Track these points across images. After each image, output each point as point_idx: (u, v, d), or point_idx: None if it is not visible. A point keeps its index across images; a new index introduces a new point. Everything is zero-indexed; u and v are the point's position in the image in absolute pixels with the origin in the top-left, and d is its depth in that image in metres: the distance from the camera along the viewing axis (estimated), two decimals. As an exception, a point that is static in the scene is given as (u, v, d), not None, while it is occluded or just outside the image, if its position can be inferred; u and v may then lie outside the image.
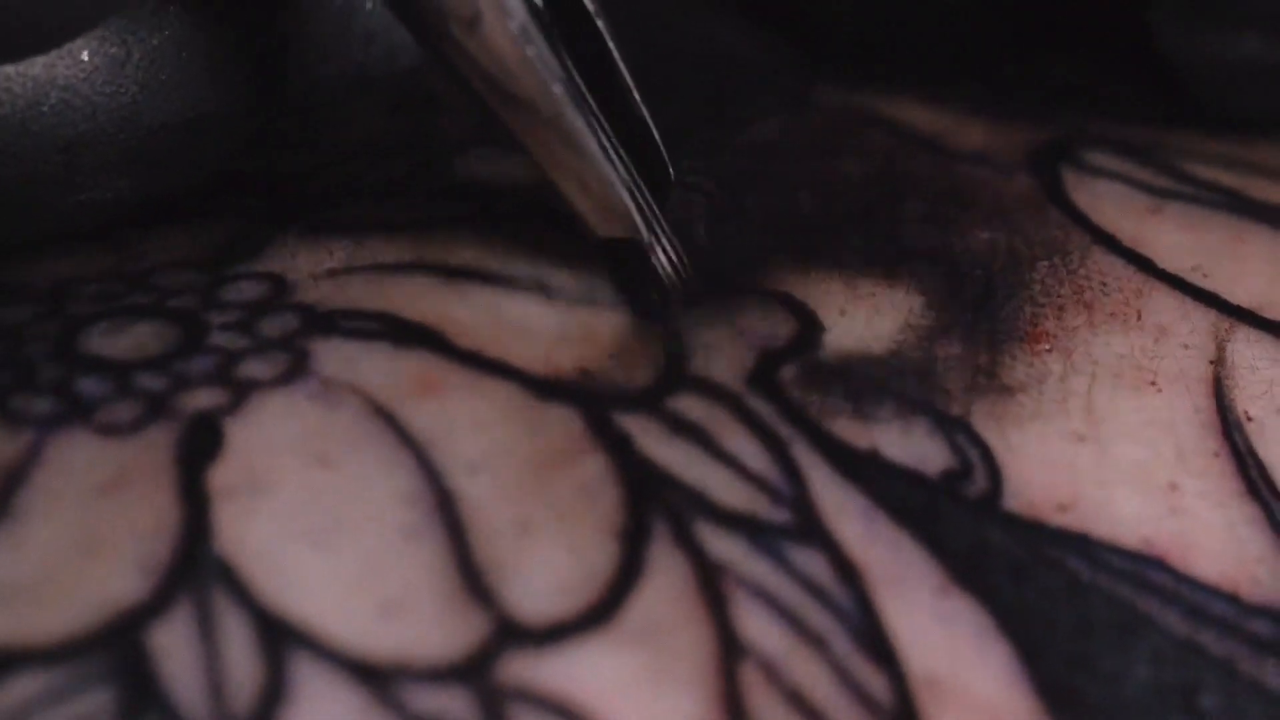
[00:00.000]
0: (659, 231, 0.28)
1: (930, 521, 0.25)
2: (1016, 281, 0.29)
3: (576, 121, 0.27)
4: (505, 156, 0.31)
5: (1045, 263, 0.30)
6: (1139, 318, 0.29)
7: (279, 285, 0.28)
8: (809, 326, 0.28)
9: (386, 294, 0.28)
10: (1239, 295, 0.29)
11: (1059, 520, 0.25)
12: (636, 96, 0.28)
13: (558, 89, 0.26)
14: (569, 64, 0.27)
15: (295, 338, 0.27)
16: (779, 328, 0.28)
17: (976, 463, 0.26)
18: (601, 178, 0.27)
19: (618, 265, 0.28)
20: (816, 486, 0.25)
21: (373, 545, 0.24)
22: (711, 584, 0.24)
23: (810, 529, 0.24)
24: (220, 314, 0.27)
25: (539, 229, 0.29)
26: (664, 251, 0.28)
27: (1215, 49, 0.33)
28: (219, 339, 0.27)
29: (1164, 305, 0.29)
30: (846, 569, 0.24)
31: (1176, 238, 0.31)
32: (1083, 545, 0.25)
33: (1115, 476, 0.26)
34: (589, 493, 0.25)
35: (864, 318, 0.28)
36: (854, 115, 0.33)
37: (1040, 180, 0.32)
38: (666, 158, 0.28)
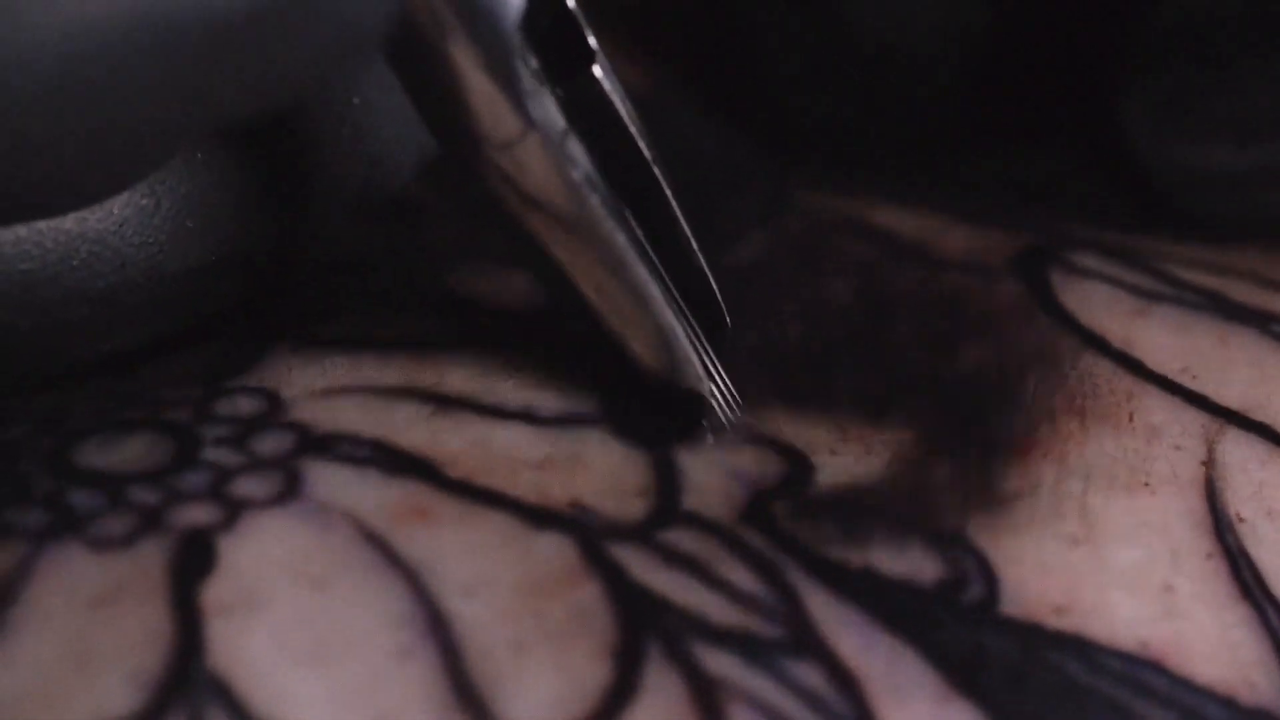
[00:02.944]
0: (718, 380, 0.28)
1: (927, 629, 0.25)
2: (1008, 394, 0.29)
3: (638, 268, 0.27)
4: (496, 270, 0.31)
5: (1036, 370, 0.30)
6: (1130, 420, 0.29)
7: (273, 401, 0.28)
8: (800, 467, 0.28)
9: (378, 419, 0.28)
10: (1227, 397, 0.30)
11: (1056, 624, 0.25)
12: (694, 244, 0.28)
13: (609, 221, 0.27)
14: (625, 211, 0.27)
15: (289, 458, 0.27)
16: (770, 469, 0.28)
17: (972, 571, 0.26)
18: (664, 325, 0.27)
19: (667, 404, 0.28)
20: (811, 603, 0.25)
21: (366, 664, 0.24)
22: (708, 699, 0.24)
23: (806, 642, 0.24)
24: (214, 428, 0.27)
25: (527, 351, 0.29)
26: (720, 398, 0.28)
27: (1185, 156, 0.34)
28: (212, 454, 0.27)
29: (1155, 407, 0.29)
30: (845, 679, 0.24)
31: (1165, 340, 0.31)
32: (1080, 648, 0.25)
33: (1111, 579, 0.26)
34: (583, 615, 0.25)
35: (855, 456, 0.28)
36: (836, 224, 0.33)
37: (1028, 285, 0.32)
38: (723, 305, 0.28)
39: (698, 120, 0.37)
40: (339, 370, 0.29)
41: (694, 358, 0.28)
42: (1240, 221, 0.34)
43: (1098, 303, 0.32)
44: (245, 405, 0.28)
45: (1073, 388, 0.29)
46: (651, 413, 0.28)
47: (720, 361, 0.28)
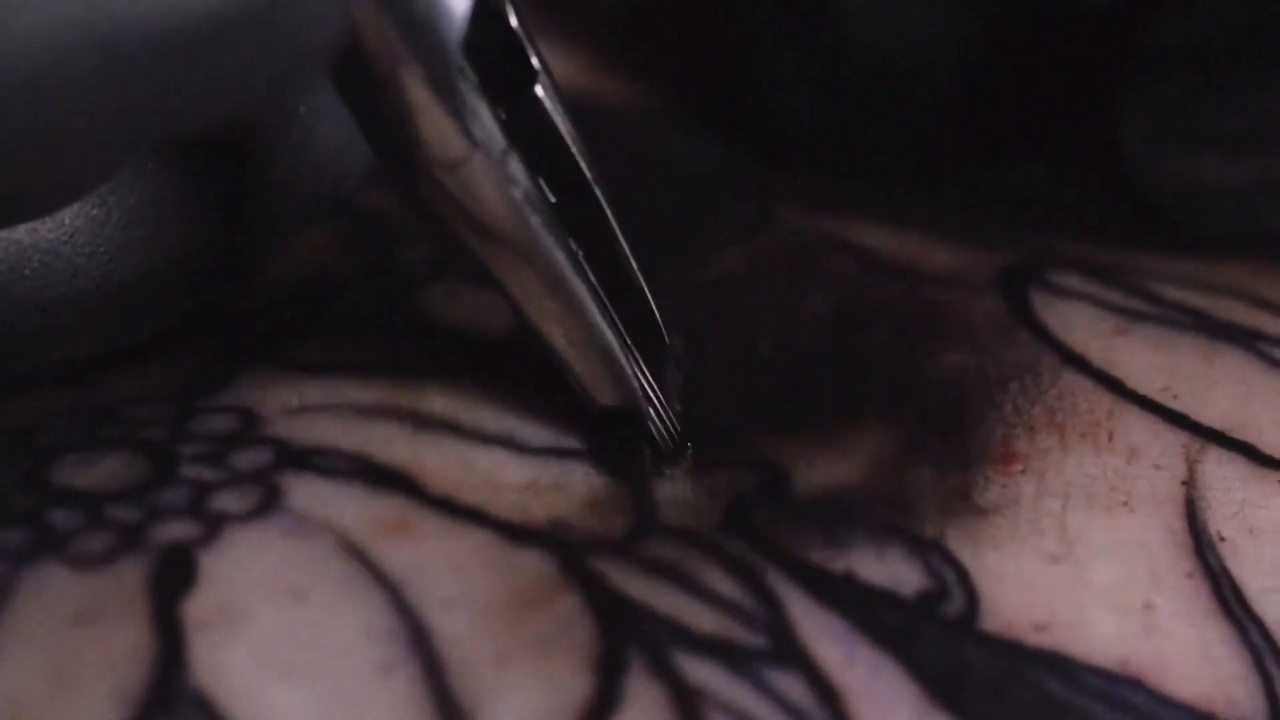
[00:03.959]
0: (655, 400, 0.28)
1: (908, 642, 0.25)
2: (987, 403, 0.29)
3: (577, 287, 0.27)
4: (470, 290, 0.31)
5: (1016, 384, 0.30)
6: (1110, 439, 0.29)
7: (249, 419, 0.28)
8: (778, 477, 0.28)
9: (358, 435, 0.28)
10: (1209, 416, 0.30)
11: (1036, 640, 0.25)
12: (633, 264, 0.28)
13: (548, 240, 0.27)
14: (564, 231, 0.27)
15: (268, 472, 0.27)
16: (748, 482, 0.28)
17: (953, 584, 0.26)
18: (601, 345, 0.27)
19: (607, 426, 0.28)
20: (793, 611, 0.25)
21: (348, 679, 0.24)
22: (690, 710, 0.24)
23: (788, 652, 0.24)
24: (191, 445, 0.27)
25: (506, 377, 0.29)
26: (659, 419, 0.28)
27: (1180, 170, 0.34)
28: (190, 471, 0.27)
29: (1135, 426, 0.29)
30: (826, 691, 0.24)
31: (1146, 359, 0.31)
32: (1060, 665, 0.25)
33: (1091, 597, 0.26)
34: (565, 627, 0.25)
35: (834, 463, 0.28)
36: (819, 240, 0.33)
37: (1010, 302, 0.32)
38: (662, 326, 0.28)
39: (686, 136, 0.37)
40: (315, 391, 0.29)
41: (632, 378, 0.28)
42: (1234, 235, 0.34)
43: (1079, 321, 0.32)
44: (222, 423, 0.28)
45: (1052, 403, 0.29)
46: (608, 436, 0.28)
47: (676, 378, 0.28)
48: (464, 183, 0.26)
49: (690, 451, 0.28)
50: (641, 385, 0.28)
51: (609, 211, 0.28)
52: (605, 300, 0.27)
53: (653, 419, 0.28)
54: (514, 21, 0.27)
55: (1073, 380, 0.30)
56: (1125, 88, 0.34)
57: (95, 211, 0.27)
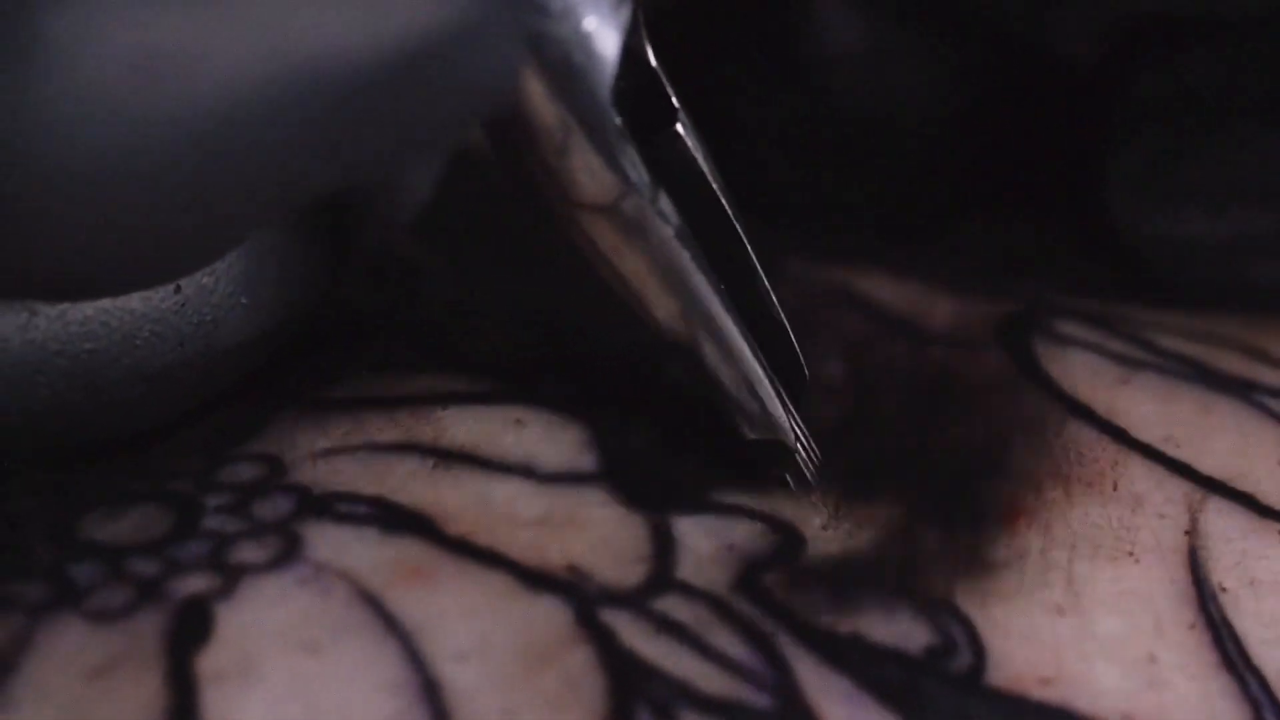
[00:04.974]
0: (799, 432, 0.28)
1: (914, 699, 0.25)
2: (994, 464, 0.29)
3: (724, 319, 0.27)
4: (493, 328, 0.32)
5: (1022, 440, 0.30)
6: (1115, 488, 0.29)
7: (275, 466, 0.28)
8: (792, 539, 0.28)
9: (379, 476, 0.28)
10: (1209, 466, 0.30)
11: (1041, 694, 0.25)
12: (774, 297, 0.28)
13: (699, 276, 0.27)
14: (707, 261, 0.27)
15: (289, 521, 0.27)
16: (763, 542, 0.28)
17: (960, 639, 0.26)
18: (750, 378, 0.28)
19: (752, 459, 0.29)
20: (800, 672, 0.25)
21: (358, 732, 0.24)
22: (697, 768, 0.24)
23: (795, 713, 0.25)
24: (216, 496, 0.27)
25: (527, 406, 0.30)
26: (804, 451, 0.28)
27: (1164, 226, 0.34)
28: (213, 522, 0.27)
29: (1139, 475, 0.29)
30: (834, 750, 0.24)
31: (1148, 408, 0.31)
32: (1065, 719, 0.25)
33: (1096, 649, 0.26)
34: (574, 684, 0.25)
35: (846, 530, 0.28)
36: (826, 294, 0.34)
37: (1012, 355, 0.32)
38: (803, 360, 0.28)
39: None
40: (341, 429, 0.29)
41: (780, 411, 0.28)
42: (1219, 289, 0.34)
43: (1081, 371, 0.32)
44: (247, 471, 0.28)
45: (1058, 456, 0.30)
46: (746, 464, 0.29)
47: (802, 416, 0.29)
48: (619, 223, 0.27)
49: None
50: (789, 418, 0.28)
51: (749, 247, 0.28)
52: (749, 336, 0.28)
53: (798, 451, 0.28)
54: (654, 61, 0.27)
55: (1078, 430, 0.30)
56: (1108, 144, 0.34)
57: (205, 280, 0.27)
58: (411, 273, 0.33)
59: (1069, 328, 0.33)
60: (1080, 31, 0.35)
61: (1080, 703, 0.25)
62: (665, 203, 0.27)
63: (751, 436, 0.28)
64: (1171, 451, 0.30)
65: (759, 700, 0.25)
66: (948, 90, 0.36)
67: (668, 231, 0.27)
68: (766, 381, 0.28)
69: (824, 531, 0.28)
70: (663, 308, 0.27)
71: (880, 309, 0.34)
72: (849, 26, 0.36)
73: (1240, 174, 0.34)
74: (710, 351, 0.28)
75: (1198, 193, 0.34)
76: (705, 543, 0.28)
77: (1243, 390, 0.32)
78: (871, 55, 0.36)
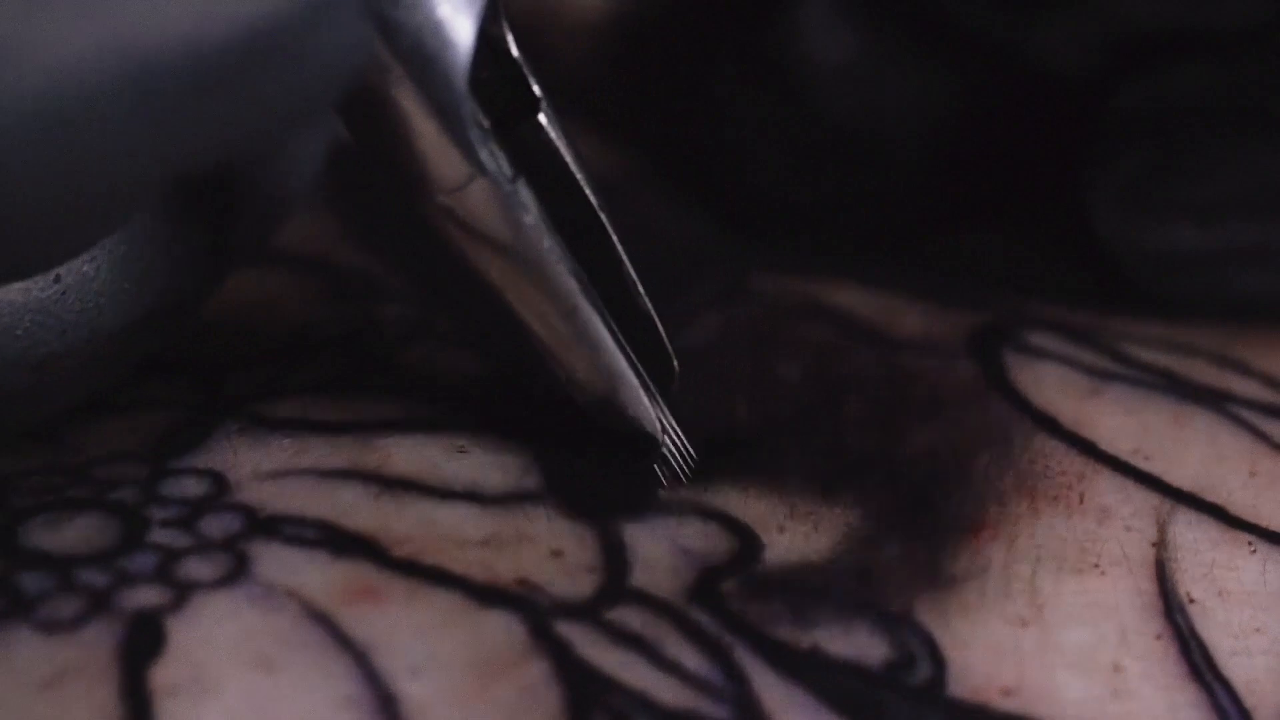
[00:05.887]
0: (668, 424, 0.28)
1: (873, 712, 0.25)
2: (958, 476, 0.29)
3: (590, 314, 0.27)
4: (445, 351, 0.32)
5: (987, 453, 0.30)
6: (1081, 501, 0.29)
7: (220, 483, 0.28)
8: (749, 544, 0.28)
9: (325, 501, 0.28)
10: (1179, 478, 0.30)
11: (1004, 705, 0.25)
12: (640, 289, 0.28)
13: (560, 265, 0.27)
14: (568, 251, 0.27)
15: (236, 540, 0.27)
16: (718, 545, 0.28)
17: (919, 652, 0.26)
18: (614, 369, 0.28)
19: (618, 458, 0.28)
20: (758, 684, 0.25)
21: (316, 746, 0.24)
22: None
23: (753, 724, 0.25)
24: (161, 509, 0.27)
25: (473, 431, 0.29)
26: (673, 446, 0.28)
27: (1148, 238, 0.34)
28: (160, 536, 0.27)
29: (1106, 488, 0.29)
30: (790, 762, 0.24)
31: (1117, 420, 0.31)
32: (1028, 729, 0.25)
33: (1059, 660, 0.26)
34: (531, 696, 0.25)
35: (803, 534, 0.28)
36: (792, 306, 0.34)
37: (982, 366, 0.32)
38: (671, 351, 0.28)
39: (660, 204, 0.37)
40: (286, 453, 0.29)
41: (646, 404, 0.28)
42: (1203, 302, 0.34)
43: (1050, 383, 0.32)
44: (192, 487, 0.28)
45: (1024, 469, 0.30)
46: (602, 470, 0.28)
47: (670, 409, 0.28)
48: (471, 207, 0.26)
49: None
50: (656, 411, 0.28)
51: (614, 238, 0.28)
52: (614, 327, 0.28)
53: (666, 444, 0.28)
54: (515, 51, 0.27)
55: (1045, 443, 0.30)
56: (1094, 156, 0.34)
57: (86, 267, 0.27)
58: (365, 292, 0.33)
59: (1041, 339, 0.33)
60: (1067, 44, 0.35)
61: (1043, 712, 0.25)
62: (525, 193, 0.27)
63: (615, 429, 0.28)
64: (1141, 464, 0.30)
65: (717, 712, 0.25)
66: (935, 102, 0.36)
67: (528, 219, 0.27)
68: (631, 373, 0.28)
69: (781, 535, 0.28)
70: (525, 300, 0.27)
71: (849, 317, 0.33)
72: (837, 37, 0.36)
73: (1227, 186, 0.34)
74: (573, 343, 0.27)
75: (1185, 205, 0.34)
76: (657, 548, 0.27)
77: (1217, 402, 0.32)
78: (859, 66, 0.36)
